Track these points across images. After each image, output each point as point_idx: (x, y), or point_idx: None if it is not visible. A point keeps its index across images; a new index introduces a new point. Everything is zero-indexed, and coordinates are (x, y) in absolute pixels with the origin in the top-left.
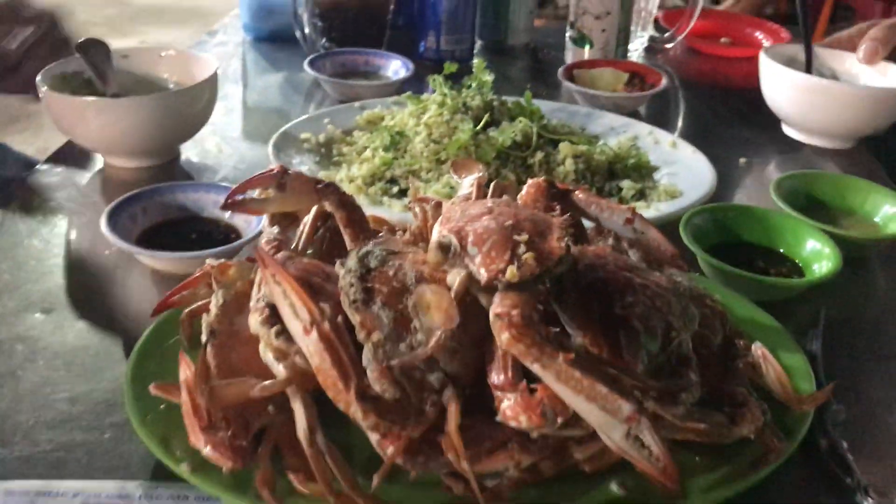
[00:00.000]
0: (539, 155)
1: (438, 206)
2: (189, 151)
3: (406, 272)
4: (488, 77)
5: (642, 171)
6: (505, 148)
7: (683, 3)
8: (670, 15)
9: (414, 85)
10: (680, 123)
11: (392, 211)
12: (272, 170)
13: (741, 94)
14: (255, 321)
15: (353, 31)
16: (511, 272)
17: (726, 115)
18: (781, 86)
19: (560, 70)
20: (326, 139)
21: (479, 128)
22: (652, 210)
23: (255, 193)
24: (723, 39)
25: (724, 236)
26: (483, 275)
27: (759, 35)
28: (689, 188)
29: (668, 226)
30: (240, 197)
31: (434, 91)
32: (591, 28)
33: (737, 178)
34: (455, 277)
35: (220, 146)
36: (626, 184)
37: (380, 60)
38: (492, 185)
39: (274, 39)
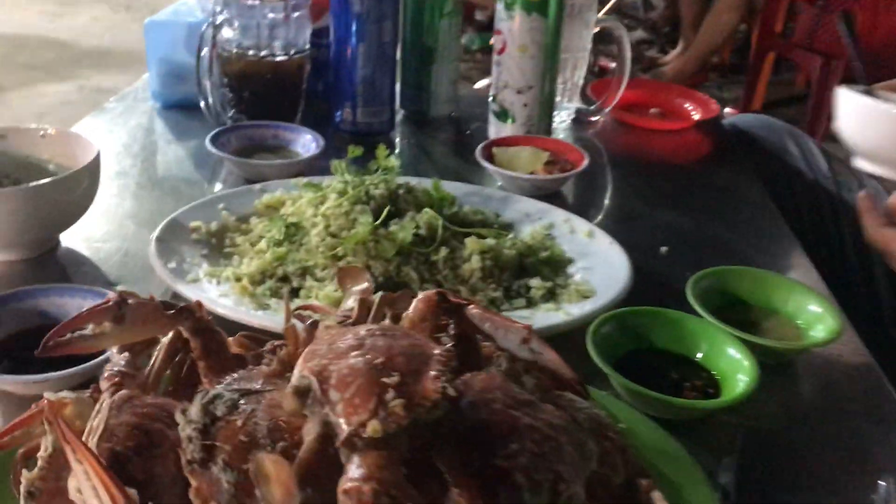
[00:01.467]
0: (443, 251)
1: (314, 327)
2: (71, 239)
3: (259, 422)
4: (393, 163)
5: (555, 266)
6: (407, 244)
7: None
8: (599, 85)
9: (327, 160)
10: (606, 203)
11: (278, 317)
12: (107, 301)
13: (670, 172)
14: (72, 488)
15: (264, 103)
16: (373, 427)
17: (651, 195)
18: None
19: (478, 149)
20: (219, 227)
21: (379, 221)
22: (561, 314)
23: (90, 329)
24: (652, 110)
25: (637, 343)
26: (343, 428)
27: (688, 106)
28: (604, 286)
29: (578, 331)
30: (67, 336)
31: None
32: (512, 102)
33: (658, 271)
34: (312, 428)
35: (108, 234)
36: (535, 282)
37: (289, 134)
38: (378, 297)
39: (184, 107)
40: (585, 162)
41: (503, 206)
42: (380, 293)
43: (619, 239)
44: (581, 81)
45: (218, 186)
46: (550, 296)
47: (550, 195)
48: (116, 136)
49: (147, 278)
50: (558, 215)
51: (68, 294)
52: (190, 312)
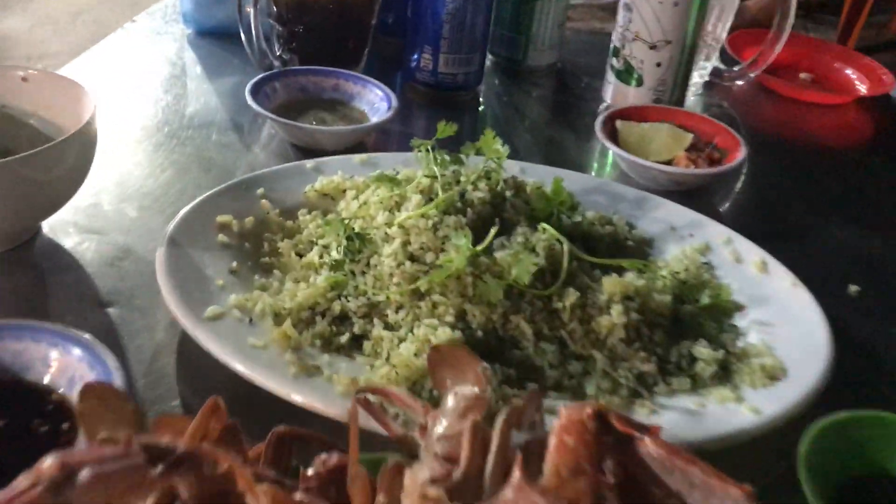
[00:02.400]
0: (571, 296)
1: (396, 472)
2: (55, 227)
3: None
4: (500, 147)
5: (718, 316)
6: (522, 284)
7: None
8: (740, 38)
9: (398, 121)
10: (751, 206)
11: (332, 394)
12: (34, 481)
13: (837, 163)
14: None
15: (323, 41)
16: None
17: (817, 199)
18: None
19: (599, 122)
20: (256, 224)
21: (482, 246)
22: (745, 409)
23: None
24: (802, 75)
25: (860, 462)
26: None
27: (850, 73)
28: (794, 358)
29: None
30: None
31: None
32: (641, 59)
33: (852, 324)
34: None
35: (104, 222)
36: (703, 352)
37: (354, 87)
38: (499, 422)
39: (223, 35)
40: (742, 151)
41: (637, 213)
42: (504, 414)
43: (786, 265)
44: (725, 35)
45: (258, 154)
46: (723, 372)
47: (684, 195)
48: (131, 70)
49: (153, 293)
50: (716, 233)
51: (29, 335)
52: (193, 460)
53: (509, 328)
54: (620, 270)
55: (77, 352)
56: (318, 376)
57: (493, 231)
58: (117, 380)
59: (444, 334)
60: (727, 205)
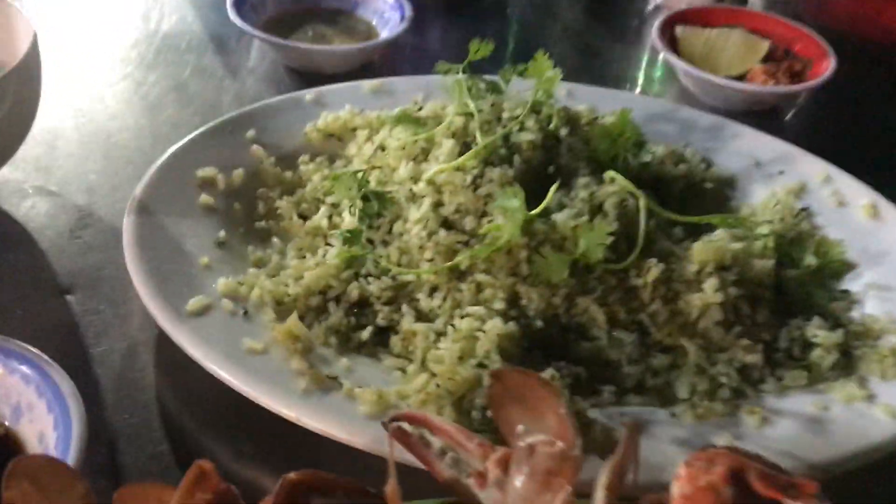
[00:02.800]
0: (654, 270)
1: None
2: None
3: None
4: (552, 73)
5: (826, 281)
6: (596, 260)
7: None
8: None
9: (411, 33)
10: (847, 134)
11: (355, 416)
12: None
13: None
14: None
15: None
16: None
17: None
18: None
19: (656, 28)
20: (247, 178)
21: (537, 210)
22: (880, 411)
23: None
24: None
25: None
26: None
27: None
28: None
29: None
30: None
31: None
32: None
33: None
34: None
35: (59, 182)
36: (819, 335)
37: None
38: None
39: None
40: (831, 61)
41: (712, 145)
42: (604, 482)
43: None
44: None
45: (245, 80)
46: (844, 359)
47: (755, 116)
48: None
49: (123, 271)
50: (811, 168)
51: None
52: None
53: (575, 314)
54: (704, 228)
55: (24, 371)
56: (336, 392)
57: (553, 189)
58: (73, 409)
59: (494, 327)
60: (813, 130)
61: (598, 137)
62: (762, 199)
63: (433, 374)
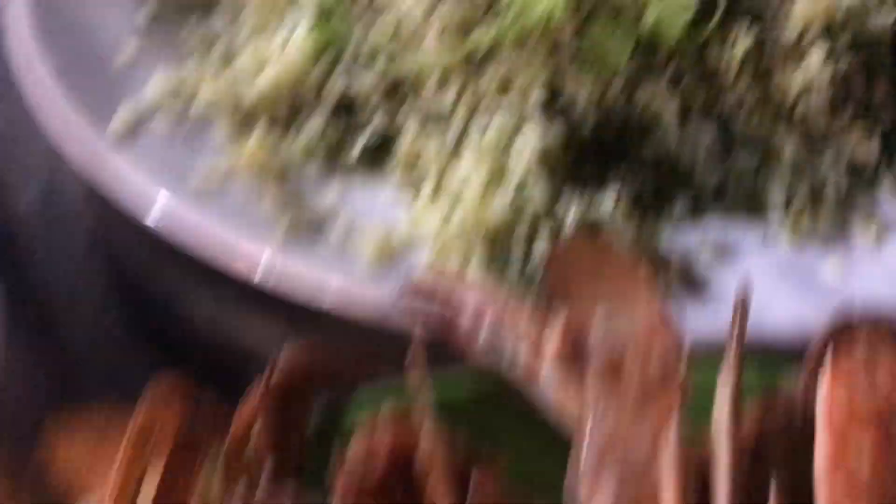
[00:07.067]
0: (743, 40)
1: None
2: None
3: None
4: None
5: None
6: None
7: None
8: None
9: None
10: None
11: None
12: None
13: None
14: None
15: None
16: None
17: None
18: None
19: None
20: None
21: None
22: None
23: None
24: None
25: None
26: None
27: None
28: None
29: None
30: None
31: None
32: None
33: None
34: None
35: None
36: None
37: None
38: (723, 420)
39: None
40: None
41: None
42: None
43: None
44: None
45: None
46: None
47: None
48: None
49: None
50: None
51: None
52: None
53: (640, 106)
54: None
55: None
56: (325, 232)
57: None
58: None
59: (532, 135)
60: None
61: None
62: None
63: (455, 202)
